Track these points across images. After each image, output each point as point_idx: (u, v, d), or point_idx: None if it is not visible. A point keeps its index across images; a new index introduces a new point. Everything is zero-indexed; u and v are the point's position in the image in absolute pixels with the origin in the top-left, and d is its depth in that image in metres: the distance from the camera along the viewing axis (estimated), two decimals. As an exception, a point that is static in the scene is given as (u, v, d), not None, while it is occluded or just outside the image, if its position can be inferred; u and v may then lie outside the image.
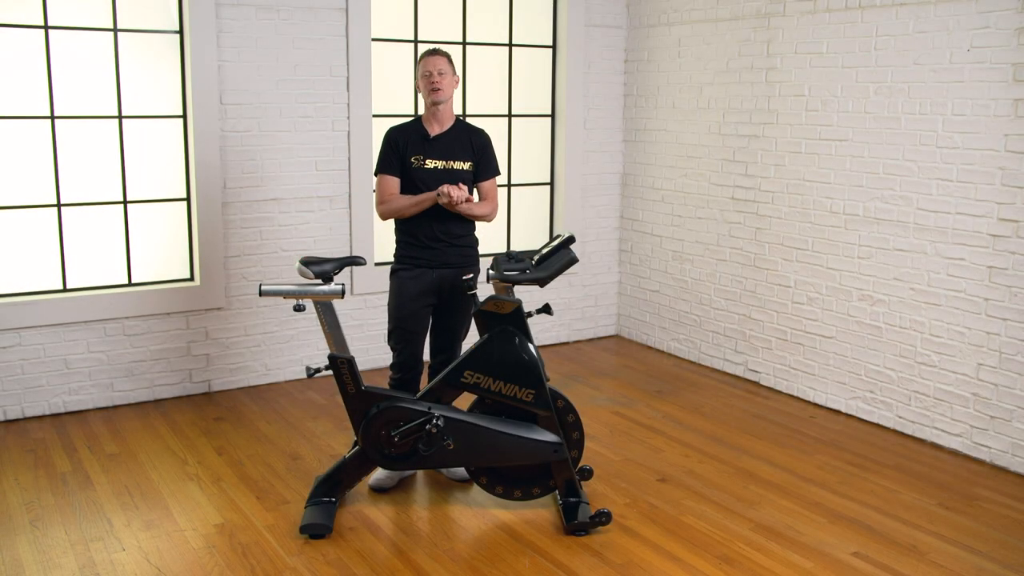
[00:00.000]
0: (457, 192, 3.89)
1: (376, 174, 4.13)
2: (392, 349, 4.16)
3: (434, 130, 4.10)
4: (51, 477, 4.17)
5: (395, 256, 4.16)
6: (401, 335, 4.11)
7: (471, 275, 3.91)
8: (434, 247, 4.06)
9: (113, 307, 5.03)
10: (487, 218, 4.17)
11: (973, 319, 4.49)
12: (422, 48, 5.82)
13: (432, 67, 4.01)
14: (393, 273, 4.14)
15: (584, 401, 5.27)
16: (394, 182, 4.07)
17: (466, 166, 4.11)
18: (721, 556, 3.53)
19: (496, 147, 6.43)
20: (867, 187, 4.93)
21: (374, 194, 4.34)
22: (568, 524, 3.67)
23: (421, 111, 5.85)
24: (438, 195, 3.92)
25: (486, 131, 4.24)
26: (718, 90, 5.78)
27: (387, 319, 4.20)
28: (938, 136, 4.58)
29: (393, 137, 4.10)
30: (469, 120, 6.06)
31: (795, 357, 5.42)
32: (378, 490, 4.06)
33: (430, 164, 4.05)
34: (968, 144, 4.45)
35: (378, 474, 4.06)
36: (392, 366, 4.18)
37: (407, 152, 4.05)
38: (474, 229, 4.22)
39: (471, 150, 4.13)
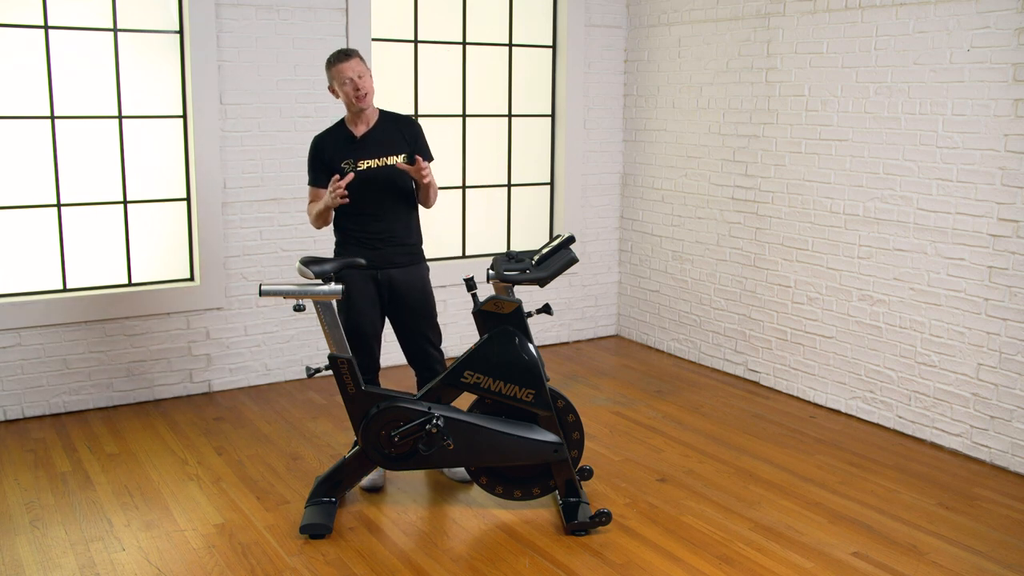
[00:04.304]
0: (336, 184, 3.75)
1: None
2: None
3: (360, 130, 3.96)
4: (51, 477, 4.17)
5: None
6: (358, 341, 3.99)
7: (471, 276, 3.91)
8: (378, 247, 3.97)
9: (113, 307, 5.03)
10: (429, 201, 4.04)
11: (973, 319, 4.49)
12: (422, 48, 5.82)
13: (351, 72, 3.79)
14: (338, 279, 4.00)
15: (584, 401, 5.27)
16: (321, 193, 3.97)
17: (401, 159, 3.94)
18: (721, 556, 3.53)
19: (496, 147, 6.45)
20: (867, 187, 4.93)
21: None
22: (568, 524, 3.67)
23: (423, 111, 5.89)
24: (331, 195, 3.76)
25: (414, 118, 4.11)
26: (718, 90, 5.78)
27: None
28: (938, 136, 4.58)
29: (317, 146, 3.98)
30: (470, 121, 6.08)
31: (795, 357, 5.42)
32: (371, 490, 4.05)
33: (363, 164, 3.92)
34: (968, 144, 4.45)
35: (371, 474, 4.04)
36: None
37: (335, 158, 3.92)
38: (417, 228, 4.10)
39: (404, 141, 3.98)
